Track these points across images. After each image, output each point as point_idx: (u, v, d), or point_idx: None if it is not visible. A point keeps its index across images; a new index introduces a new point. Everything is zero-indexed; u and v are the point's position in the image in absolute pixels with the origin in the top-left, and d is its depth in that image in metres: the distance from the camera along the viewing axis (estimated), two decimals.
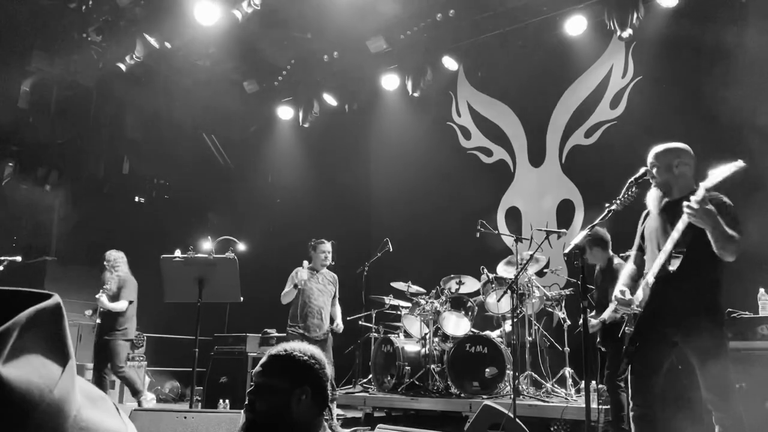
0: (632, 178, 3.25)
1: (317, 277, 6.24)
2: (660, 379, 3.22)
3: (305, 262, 6.19)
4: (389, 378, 6.77)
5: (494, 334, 6.49)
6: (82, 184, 9.53)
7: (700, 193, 2.92)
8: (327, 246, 6.27)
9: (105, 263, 6.71)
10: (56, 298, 0.73)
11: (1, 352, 0.67)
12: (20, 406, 0.67)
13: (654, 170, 3.29)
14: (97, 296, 6.45)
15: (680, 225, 3.04)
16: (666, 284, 3.11)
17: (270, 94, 9.71)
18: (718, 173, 2.95)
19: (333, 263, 6.35)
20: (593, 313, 5.09)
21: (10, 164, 9.22)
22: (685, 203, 2.97)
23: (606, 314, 4.73)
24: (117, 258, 6.75)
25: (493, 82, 8.69)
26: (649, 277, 3.16)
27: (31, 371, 0.70)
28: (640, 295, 3.20)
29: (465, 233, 7.38)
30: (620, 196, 3.20)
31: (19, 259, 6.31)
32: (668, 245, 3.08)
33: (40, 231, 8.86)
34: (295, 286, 5.98)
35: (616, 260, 5.09)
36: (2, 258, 6.09)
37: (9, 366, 0.67)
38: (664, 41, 7.29)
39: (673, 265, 3.04)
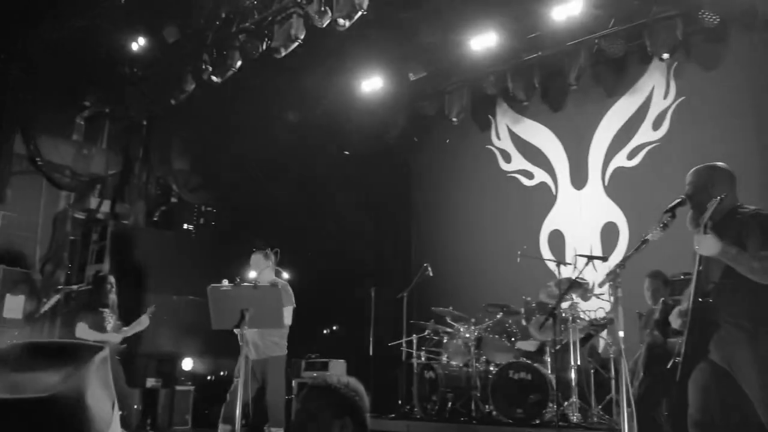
0: (667, 207, 3.21)
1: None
2: (716, 410, 3.05)
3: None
4: (432, 404, 6.77)
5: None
6: (133, 213, 9.86)
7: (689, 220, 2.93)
8: (252, 257, 5.97)
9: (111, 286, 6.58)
10: (107, 350, 0.89)
11: (85, 387, 0.79)
12: None
13: (690, 190, 3.27)
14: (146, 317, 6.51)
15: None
16: (703, 312, 3.04)
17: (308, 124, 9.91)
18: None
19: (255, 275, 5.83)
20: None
21: (65, 194, 9.61)
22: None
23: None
24: None
25: (533, 104, 8.67)
26: (683, 305, 3.12)
27: (101, 407, 0.82)
28: (678, 321, 3.17)
29: (507, 258, 7.37)
30: (656, 226, 3.18)
31: (75, 288, 6.56)
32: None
33: (96, 259, 9.16)
34: None
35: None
36: (60, 287, 6.34)
37: (89, 398, 0.79)
38: (707, 61, 7.22)
39: (709, 295, 3.00)
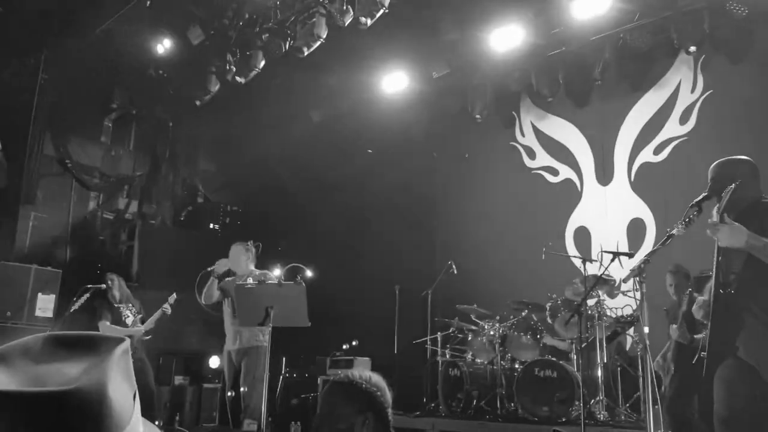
0: (693, 202, 3.15)
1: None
2: (743, 406, 2.98)
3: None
4: (457, 402, 6.75)
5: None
6: (160, 213, 10.00)
7: (715, 214, 2.86)
8: (231, 249, 5.92)
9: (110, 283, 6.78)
10: (128, 342, 0.89)
11: (107, 378, 0.80)
12: (110, 426, 0.80)
13: (713, 184, 3.21)
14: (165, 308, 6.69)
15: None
16: (725, 304, 2.98)
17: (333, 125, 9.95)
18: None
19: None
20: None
21: (94, 195, 9.78)
22: (708, 230, 2.90)
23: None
24: None
25: (557, 100, 8.59)
26: (705, 296, 3.07)
27: (123, 399, 0.83)
28: (701, 312, 3.12)
29: (532, 255, 7.32)
30: (681, 221, 3.12)
31: (104, 286, 6.68)
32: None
33: (123, 259, 9.31)
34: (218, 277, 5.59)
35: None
36: (89, 286, 6.49)
37: (111, 389, 0.80)
38: (735, 54, 7.08)
39: (731, 287, 2.94)
